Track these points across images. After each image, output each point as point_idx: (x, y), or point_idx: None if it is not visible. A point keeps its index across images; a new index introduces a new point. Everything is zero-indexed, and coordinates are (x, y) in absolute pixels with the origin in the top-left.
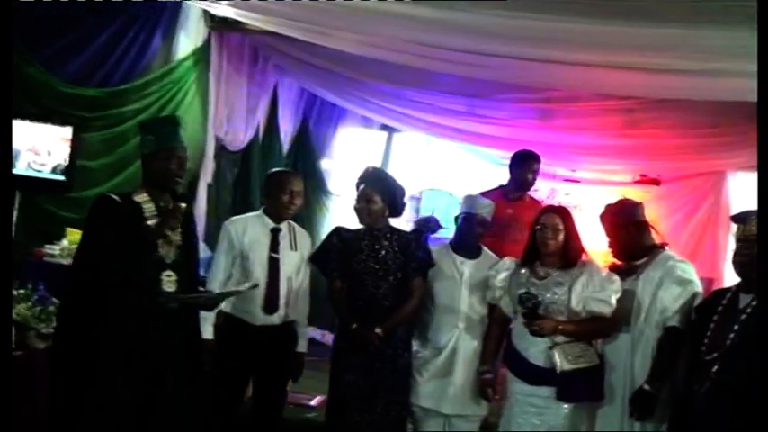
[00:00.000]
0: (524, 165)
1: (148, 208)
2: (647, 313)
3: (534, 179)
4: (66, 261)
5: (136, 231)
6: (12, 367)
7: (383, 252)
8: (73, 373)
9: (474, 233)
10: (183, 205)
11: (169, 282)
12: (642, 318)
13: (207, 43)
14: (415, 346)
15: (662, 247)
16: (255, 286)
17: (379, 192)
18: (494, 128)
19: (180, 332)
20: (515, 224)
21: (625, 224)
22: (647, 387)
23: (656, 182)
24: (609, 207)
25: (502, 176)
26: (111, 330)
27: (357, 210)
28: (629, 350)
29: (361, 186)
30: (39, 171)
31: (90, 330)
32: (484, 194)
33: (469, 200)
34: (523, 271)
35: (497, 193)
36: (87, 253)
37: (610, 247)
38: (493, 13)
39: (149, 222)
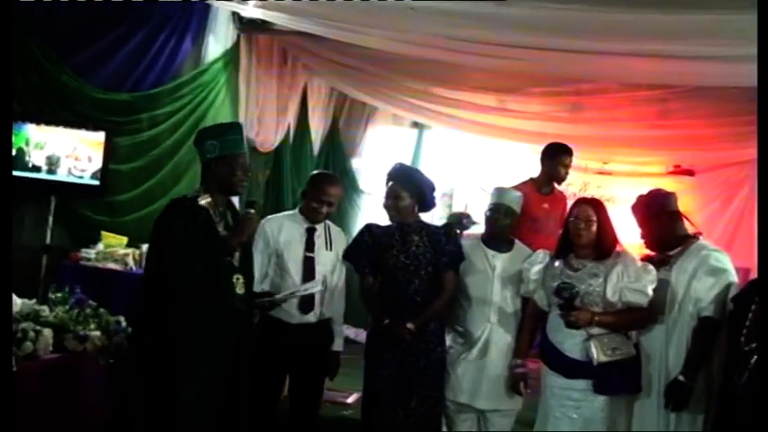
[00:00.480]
0: (556, 158)
1: (214, 212)
2: (681, 304)
3: (566, 173)
4: (102, 264)
5: (212, 235)
6: (12, 370)
7: (414, 247)
8: (158, 377)
9: (502, 224)
10: (253, 212)
11: (239, 284)
12: (676, 308)
13: (236, 45)
14: (448, 340)
15: (695, 236)
16: (323, 289)
17: (407, 188)
18: (525, 122)
19: (244, 333)
20: (551, 218)
21: (657, 214)
22: (681, 378)
23: (690, 172)
24: (641, 198)
25: (535, 172)
26: (196, 333)
27: (386, 206)
28: (664, 341)
29: (389, 183)
30: (80, 177)
31: (174, 331)
32: (515, 188)
33: (497, 191)
34: (557, 263)
35: (529, 187)
36: (170, 256)
37: (643, 237)
38: (522, 5)
39: (219, 228)
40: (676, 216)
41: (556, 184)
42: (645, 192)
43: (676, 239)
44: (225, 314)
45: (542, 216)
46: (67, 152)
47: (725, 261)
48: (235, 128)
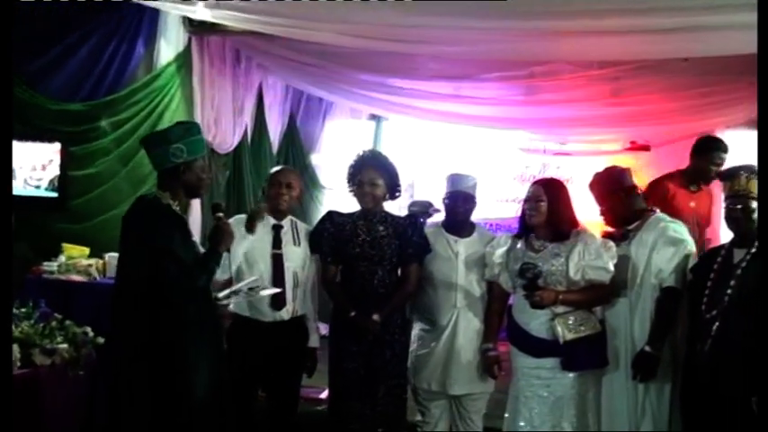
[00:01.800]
0: (708, 154)
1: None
2: (643, 276)
3: (717, 173)
4: (65, 276)
5: (188, 238)
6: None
7: (379, 237)
8: (158, 382)
9: (462, 210)
10: (222, 215)
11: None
12: (638, 281)
13: (188, 48)
14: (417, 329)
15: (652, 210)
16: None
17: (382, 175)
18: (480, 108)
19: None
20: (697, 217)
21: (614, 190)
22: (648, 349)
23: (646, 148)
24: (597, 175)
25: (494, 157)
26: (196, 336)
27: (360, 194)
28: (629, 314)
29: (364, 170)
30: (37, 188)
31: (171, 337)
32: (663, 178)
33: (452, 178)
34: (519, 245)
35: (677, 181)
36: (172, 266)
37: (601, 214)
38: None
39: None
40: (633, 191)
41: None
42: (601, 170)
43: (634, 214)
44: (214, 316)
45: (688, 215)
46: (23, 165)
47: (683, 231)
48: (196, 129)
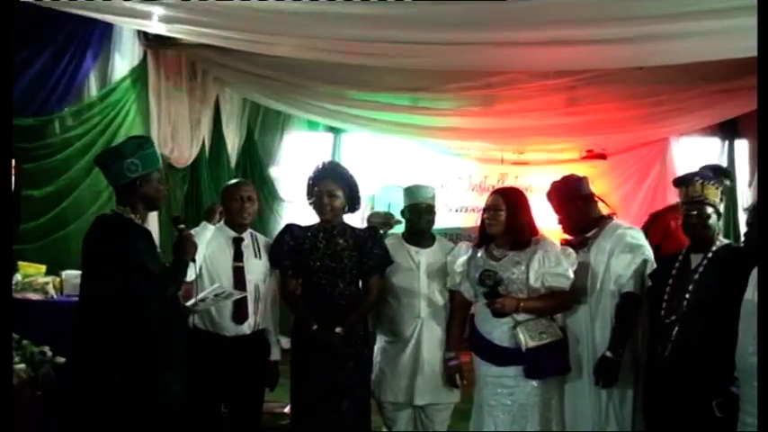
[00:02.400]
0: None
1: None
2: (602, 282)
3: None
4: (21, 295)
5: (154, 249)
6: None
7: (339, 250)
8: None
9: (422, 221)
10: (183, 226)
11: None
12: (598, 287)
13: (143, 62)
14: (380, 341)
15: (610, 217)
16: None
17: (341, 186)
18: (439, 119)
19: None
20: None
21: (572, 198)
22: (609, 354)
23: (602, 156)
24: (554, 184)
25: (453, 167)
26: (167, 349)
27: (320, 206)
28: (589, 321)
29: (323, 181)
30: None
31: (140, 351)
32: (664, 212)
33: (411, 191)
34: (480, 254)
35: (677, 214)
36: (142, 280)
37: (560, 223)
38: (427, 3)
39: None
40: (590, 199)
41: None
42: (558, 179)
43: (592, 221)
44: (183, 325)
45: None
46: None
47: (639, 237)
48: (148, 142)
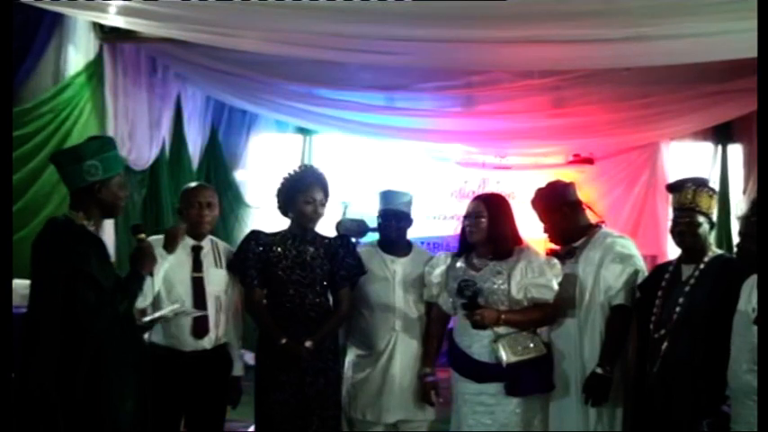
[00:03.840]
0: None
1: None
2: (592, 294)
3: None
4: None
5: (106, 261)
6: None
7: (309, 259)
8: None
9: (397, 228)
10: (144, 236)
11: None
12: (587, 300)
13: (99, 56)
14: (351, 355)
15: (598, 225)
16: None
17: (326, 193)
18: (416, 120)
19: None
20: None
21: (558, 206)
22: (599, 370)
23: (589, 160)
24: (539, 191)
25: (430, 172)
26: (120, 366)
27: (305, 213)
28: (577, 335)
29: (313, 188)
30: None
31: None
32: None
33: (385, 196)
34: (459, 264)
35: None
36: (90, 293)
37: (545, 231)
38: None
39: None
40: (577, 206)
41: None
42: (543, 184)
43: (579, 230)
44: (139, 343)
45: None
46: None
47: (630, 247)
48: (111, 144)
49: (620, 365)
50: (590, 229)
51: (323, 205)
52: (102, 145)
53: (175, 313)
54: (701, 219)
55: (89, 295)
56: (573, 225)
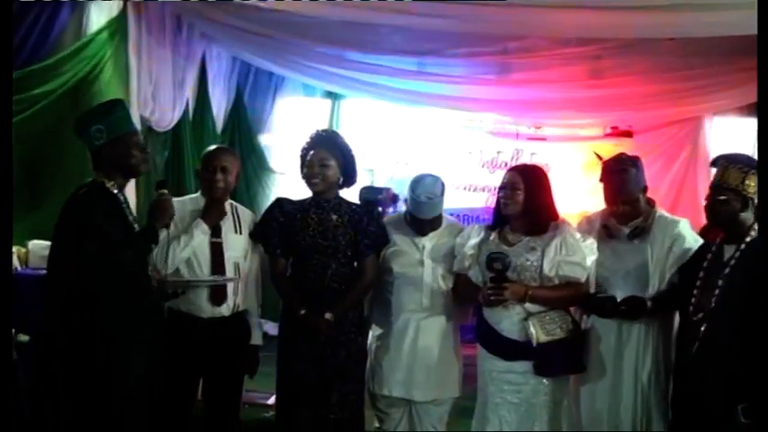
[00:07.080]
0: None
1: (120, 197)
2: (651, 278)
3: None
4: None
5: (129, 222)
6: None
7: (332, 227)
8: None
9: (431, 214)
10: (166, 192)
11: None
12: (654, 281)
13: (123, 13)
14: (376, 328)
15: (650, 204)
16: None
17: (334, 155)
18: (448, 87)
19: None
20: None
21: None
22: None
23: (628, 134)
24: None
25: (462, 141)
26: (129, 328)
27: (309, 176)
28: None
29: (315, 149)
30: None
31: (102, 328)
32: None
33: (413, 182)
34: (492, 237)
35: None
36: (94, 245)
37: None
38: None
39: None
40: (645, 191)
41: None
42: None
43: (642, 211)
44: (150, 305)
45: None
46: None
47: (690, 230)
48: (117, 106)
49: (663, 348)
50: (645, 209)
51: (327, 167)
52: (108, 109)
53: (203, 280)
54: (728, 196)
55: (92, 245)
56: (637, 208)
